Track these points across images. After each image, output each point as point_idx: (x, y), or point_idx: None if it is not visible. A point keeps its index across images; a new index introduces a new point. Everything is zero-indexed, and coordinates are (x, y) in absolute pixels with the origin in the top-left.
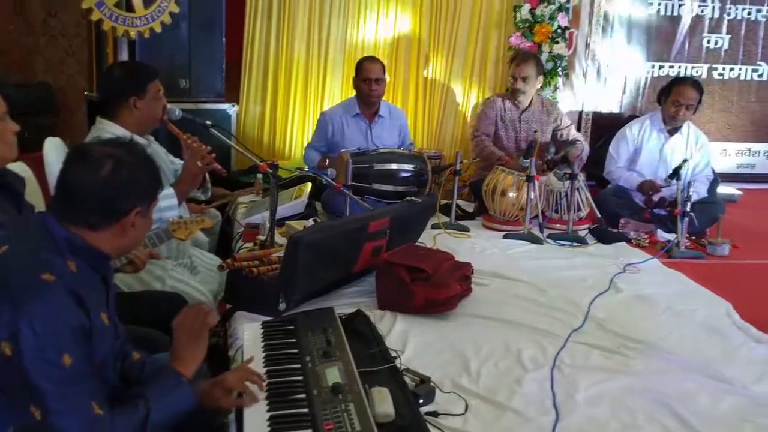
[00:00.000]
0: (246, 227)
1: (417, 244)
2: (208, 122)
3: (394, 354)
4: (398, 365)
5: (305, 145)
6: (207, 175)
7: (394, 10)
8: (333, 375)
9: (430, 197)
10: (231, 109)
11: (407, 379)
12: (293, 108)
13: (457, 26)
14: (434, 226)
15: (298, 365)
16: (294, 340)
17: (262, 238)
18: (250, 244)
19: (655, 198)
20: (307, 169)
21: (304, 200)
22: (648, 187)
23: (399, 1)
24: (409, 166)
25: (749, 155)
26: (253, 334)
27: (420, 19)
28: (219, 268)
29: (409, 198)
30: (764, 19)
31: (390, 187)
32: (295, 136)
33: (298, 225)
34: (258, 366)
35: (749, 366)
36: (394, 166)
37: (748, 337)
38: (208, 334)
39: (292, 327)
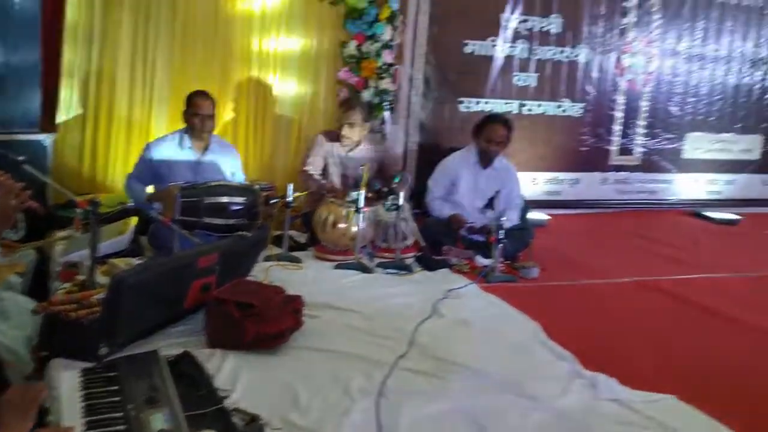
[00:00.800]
0: (64, 266)
1: (248, 278)
2: (20, 157)
3: (223, 394)
4: (227, 405)
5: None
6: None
7: (222, 38)
8: (158, 421)
9: (261, 230)
10: (47, 140)
11: (237, 419)
12: (116, 138)
13: (286, 58)
14: (267, 258)
15: (121, 414)
16: (116, 387)
17: (81, 277)
18: (68, 285)
19: (462, 231)
20: (131, 203)
21: (129, 236)
22: (454, 222)
23: (229, 30)
24: (241, 199)
25: (556, 183)
26: (71, 383)
27: (250, 50)
28: (33, 312)
29: (239, 233)
30: (566, 60)
31: (221, 221)
32: (118, 168)
33: (121, 263)
34: (76, 418)
35: (554, 382)
36: (225, 199)
37: (553, 356)
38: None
39: (115, 373)
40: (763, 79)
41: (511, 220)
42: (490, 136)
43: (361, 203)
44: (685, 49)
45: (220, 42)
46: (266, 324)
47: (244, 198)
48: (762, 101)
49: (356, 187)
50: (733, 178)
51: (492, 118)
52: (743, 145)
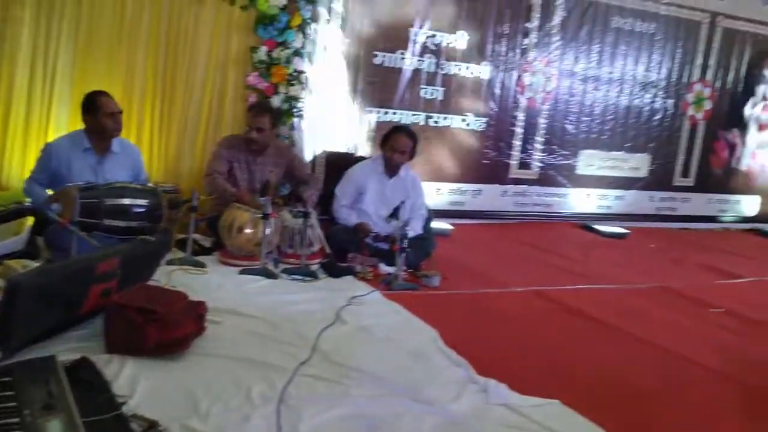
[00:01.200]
0: None
1: (151, 282)
2: None
3: (121, 400)
4: (125, 411)
5: (25, 177)
6: None
7: (127, 42)
8: (55, 428)
9: (164, 234)
10: None
11: (135, 425)
12: (12, 137)
13: (195, 62)
14: (170, 262)
15: (17, 420)
16: (12, 392)
17: None
18: None
19: (368, 239)
20: (28, 203)
21: (24, 237)
22: (360, 231)
23: (135, 29)
24: (143, 201)
25: (459, 194)
26: None
27: (156, 52)
28: None
29: (141, 236)
30: (471, 76)
31: (122, 223)
32: (14, 167)
33: (17, 264)
34: None
35: (449, 387)
36: (126, 201)
37: (449, 362)
38: None
39: (9, 378)
40: (652, 102)
41: (415, 229)
42: (395, 145)
43: (268, 209)
44: (582, 70)
45: (126, 42)
46: (168, 330)
47: (147, 200)
48: (650, 123)
49: (263, 192)
50: (622, 194)
51: (397, 129)
52: (632, 163)
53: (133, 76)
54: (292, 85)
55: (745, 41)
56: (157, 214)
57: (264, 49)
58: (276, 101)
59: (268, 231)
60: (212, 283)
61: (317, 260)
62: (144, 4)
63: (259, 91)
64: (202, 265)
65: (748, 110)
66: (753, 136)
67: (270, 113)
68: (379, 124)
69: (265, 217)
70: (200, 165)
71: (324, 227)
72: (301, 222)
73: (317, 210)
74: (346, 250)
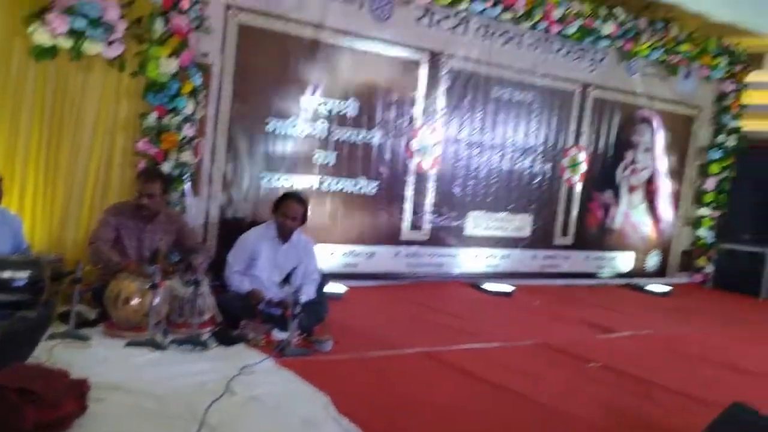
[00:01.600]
0: None
1: (30, 359)
2: None
3: None
4: None
5: None
6: None
7: (10, 103)
8: None
9: (46, 308)
10: None
11: None
12: None
13: (82, 127)
14: (52, 336)
15: None
16: None
17: None
18: None
19: (261, 305)
20: None
21: None
22: (253, 297)
23: (16, 95)
24: (23, 274)
25: (353, 256)
26: None
27: (41, 115)
28: None
29: (20, 312)
30: (362, 141)
31: (1, 297)
32: None
33: None
34: None
35: None
36: (5, 274)
37: (341, 429)
38: None
39: None
40: (532, 166)
41: (308, 294)
42: (287, 212)
43: (157, 278)
44: (467, 136)
45: (9, 103)
46: (47, 410)
47: (28, 273)
48: (531, 185)
49: (152, 260)
50: (508, 252)
51: (288, 195)
52: (516, 224)
53: (16, 139)
54: (183, 150)
55: (614, 109)
56: (38, 287)
57: (154, 115)
58: (166, 167)
59: (156, 301)
60: (96, 357)
61: (208, 329)
62: (29, 64)
63: (149, 158)
64: (86, 339)
65: (619, 173)
66: (624, 196)
67: (161, 179)
68: (272, 189)
69: (154, 286)
70: (86, 233)
71: (216, 294)
72: (191, 290)
73: (209, 277)
74: (239, 318)
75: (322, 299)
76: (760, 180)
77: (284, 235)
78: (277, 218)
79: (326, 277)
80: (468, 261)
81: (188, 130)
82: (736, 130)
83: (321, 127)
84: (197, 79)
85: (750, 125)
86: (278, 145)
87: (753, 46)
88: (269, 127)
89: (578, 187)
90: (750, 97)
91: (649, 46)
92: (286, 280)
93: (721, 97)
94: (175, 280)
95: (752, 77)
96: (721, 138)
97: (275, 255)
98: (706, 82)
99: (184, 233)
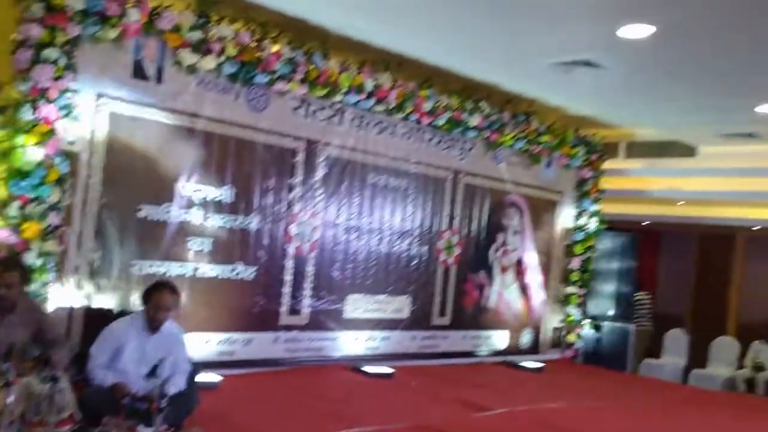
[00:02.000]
0: None
1: None
2: None
3: None
4: None
5: None
6: None
7: None
8: None
9: None
10: None
11: None
12: None
13: None
14: None
15: None
16: None
17: None
18: None
19: (125, 400)
20: None
21: None
22: (116, 391)
23: None
24: None
25: (229, 344)
26: None
27: None
28: None
29: None
30: (239, 227)
31: None
32: None
33: None
34: None
35: None
36: None
37: None
38: None
39: None
40: (409, 249)
41: (177, 385)
42: (158, 303)
43: (11, 375)
44: (345, 221)
45: None
46: None
47: None
48: (409, 267)
49: (8, 356)
50: (387, 334)
51: (159, 285)
52: (395, 306)
53: None
54: (47, 240)
55: (484, 194)
56: None
57: (16, 204)
58: (30, 257)
59: (10, 400)
60: None
61: (67, 427)
62: None
63: (9, 247)
64: None
65: (491, 254)
66: (497, 277)
67: (20, 269)
68: (145, 277)
69: (7, 384)
70: None
71: (77, 390)
72: (48, 387)
73: (71, 371)
74: (101, 414)
75: (192, 390)
76: (620, 258)
77: (154, 326)
78: (147, 309)
79: (198, 367)
80: (348, 344)
81: (53, 219)
82: (596, 213)
83: (196, 213)
84: (64, 167)
85: (607, 208)
86: (151, 232)
87: (607, 137)
88: (141, 214)
89: (454, 269)
90: (606, 183)
91: (513, 137)
92: (153, 372)
93: (581, 183)
94: (32, 376)
95: (608, 165)
96: (583, 220)
97: (143, 346)
98: (567, 170)
99: (44, 326)
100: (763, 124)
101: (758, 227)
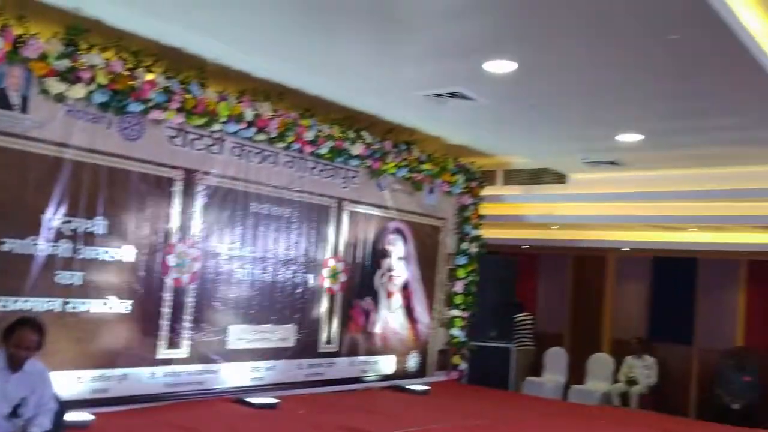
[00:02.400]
0: None
1: None
2: None
3: None
4: None
5: None
6: None
7: None
8: None
9: None
10: None
11: None
12: None
13: None
14: None
15: None
16: None
17: None
18: None
19: None
20: None
21: None
22: None
23: None
24: None
25: (103, 380)
26: None
27: None
28: None
29: None
30: (113, 259)
31: None
32: None
33: None
34: None
35: None
36: None
37: None
38: None
39: None
40: (294, 277)
41: (41, 425)
42: (19, 341)
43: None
44: (227, 250)
45: None
46: None
47: None
48: (294, 295)
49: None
50: (273, 364)
51: (21, 322)
52: (280, 334)
53: None
54: None
55: (368, 222)
56: None
57: None
58: None
59: None
60: None
61: None
62: None
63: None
64: None
65: (377, 280)
66: (383, 302)
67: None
68: (8, 314)
69: None
70: None
71: None
72: None
73: None
74: None
75: (58, 430)
76: (501, 281)
77: (15, 364)
78: (8, 348)
79: (66, 406)
80: (231, 375)
81: None
82: (477, 238)
83: (65, 246)
84: None
85: (488, 233)
86: (15, 266)
87: (485, 165)
88: (5, 248)
89: (339, 296)
90: (486, 209)
91: (395, 165)
92: (15, 412)
93: (462, 209)
94: None
95: (486, 191)
96: (465, 245)
97: (4, 386)
98: (448, 197)
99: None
100: (625, 152)
101: (627, 248)
